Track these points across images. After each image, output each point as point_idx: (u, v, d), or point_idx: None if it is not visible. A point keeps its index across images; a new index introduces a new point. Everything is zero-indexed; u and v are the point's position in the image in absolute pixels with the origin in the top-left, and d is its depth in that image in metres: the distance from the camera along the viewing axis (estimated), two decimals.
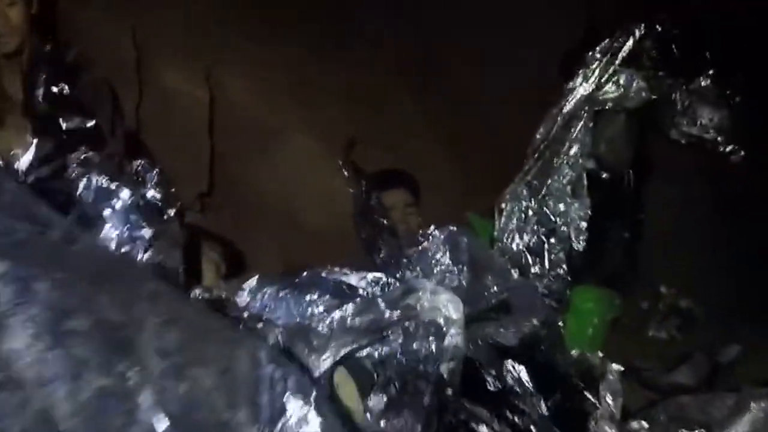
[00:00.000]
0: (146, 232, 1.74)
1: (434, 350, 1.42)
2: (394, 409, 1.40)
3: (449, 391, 1.45)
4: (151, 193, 2.46)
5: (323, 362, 1.39)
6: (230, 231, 2.80)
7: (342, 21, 3.17)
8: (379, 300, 1.48)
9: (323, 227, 2.69)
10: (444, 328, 1.42)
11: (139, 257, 1.59)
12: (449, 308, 1.44)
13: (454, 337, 1.42)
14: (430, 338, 1.44)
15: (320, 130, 2.74)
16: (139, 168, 2.41)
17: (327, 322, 1.51)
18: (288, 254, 2.76)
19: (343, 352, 1.36)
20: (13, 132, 2.04)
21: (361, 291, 1.78)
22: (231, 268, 2.20)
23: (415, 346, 1.45)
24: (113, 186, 1.88)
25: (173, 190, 2.55)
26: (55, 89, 2.14)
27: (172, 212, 2.48)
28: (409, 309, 1.45)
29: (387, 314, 1.46)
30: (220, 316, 1.10)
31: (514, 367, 1.67)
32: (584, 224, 2.53)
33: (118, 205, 1.84)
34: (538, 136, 2.55)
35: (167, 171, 2.54)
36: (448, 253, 2.28)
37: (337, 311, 1.51)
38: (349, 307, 1.49)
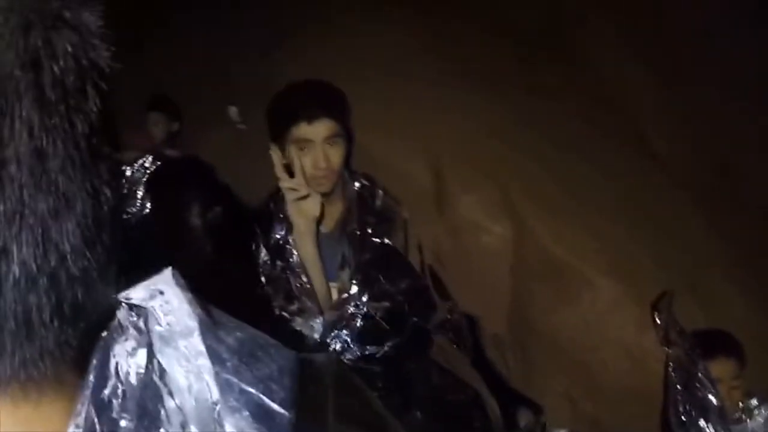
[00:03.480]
0: None
1: None
2: None
3: None
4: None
5: None
6: (518, 373, 2.63)
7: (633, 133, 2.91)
8: None
9: (626, 386, 2.42)
10: None
11: None
12: None
13: None
14: None
15: (628, 275, 2.46)
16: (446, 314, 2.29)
17: None
18: (580, 406, 2.53)
19: None
20: None
21: None
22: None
23: None
24: None
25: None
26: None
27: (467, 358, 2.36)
28: None
29: None
30: None
31: None
32: None
33: None
34: None
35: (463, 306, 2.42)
36: None
37: None
38: None
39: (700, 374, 2.22)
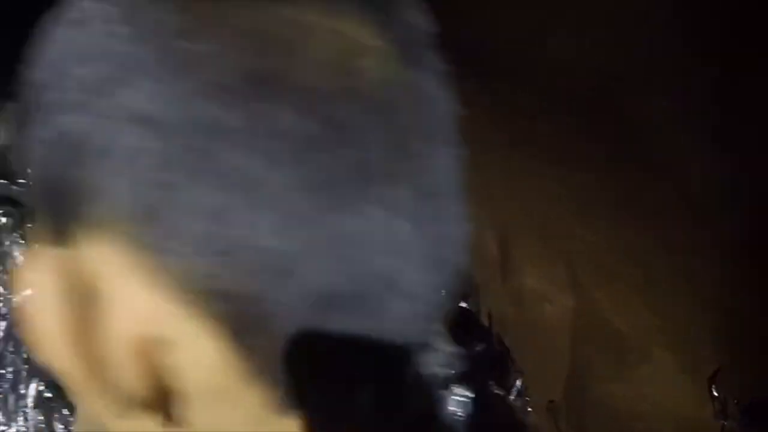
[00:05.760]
0: None
1: None
2: None
3: None
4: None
5: None
6: None
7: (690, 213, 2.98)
8: None
9: None
10: None
11: None
12: None
13: None
14: None
15: (687, 349, 2.53)
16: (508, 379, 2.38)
17: None
18: None
19: None
20: None
21: None
22: None
23: None
24: None
25: (527, 398, 2.50)
26: None
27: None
28: None
29: None
30: None
31: None
32: None
33: None
34: None
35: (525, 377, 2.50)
36: None
37: None
38: None
39: None
